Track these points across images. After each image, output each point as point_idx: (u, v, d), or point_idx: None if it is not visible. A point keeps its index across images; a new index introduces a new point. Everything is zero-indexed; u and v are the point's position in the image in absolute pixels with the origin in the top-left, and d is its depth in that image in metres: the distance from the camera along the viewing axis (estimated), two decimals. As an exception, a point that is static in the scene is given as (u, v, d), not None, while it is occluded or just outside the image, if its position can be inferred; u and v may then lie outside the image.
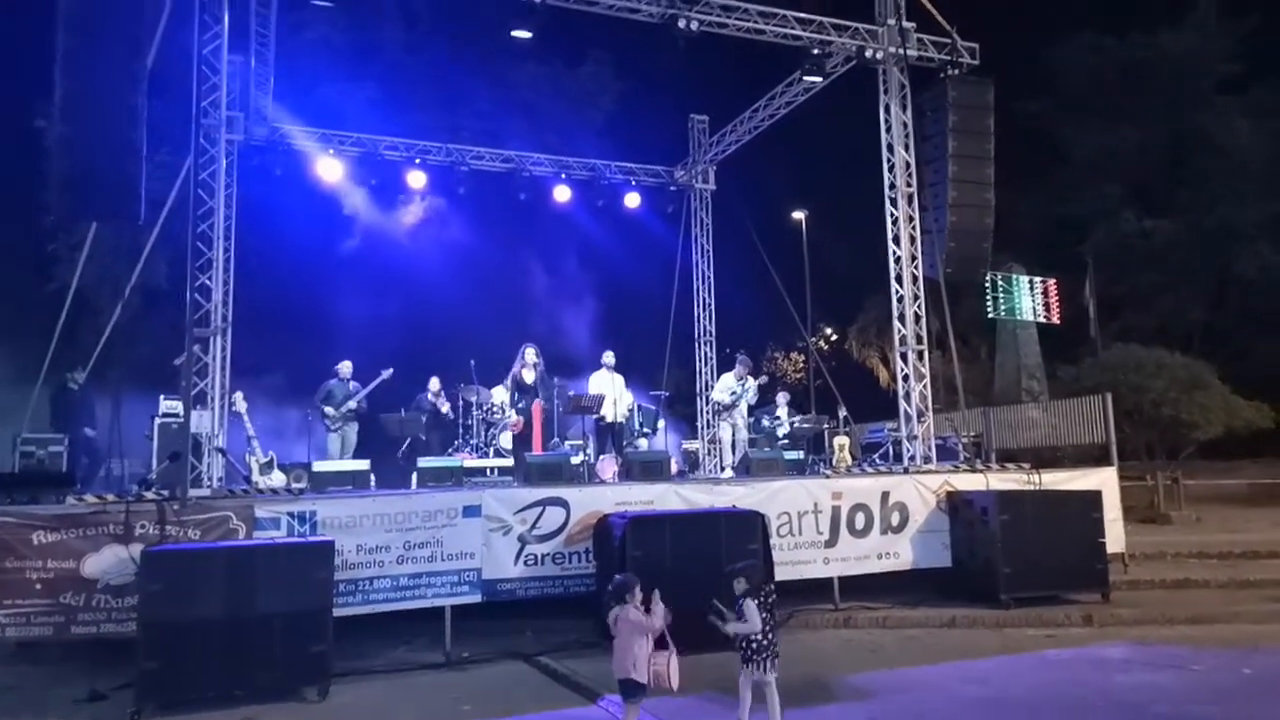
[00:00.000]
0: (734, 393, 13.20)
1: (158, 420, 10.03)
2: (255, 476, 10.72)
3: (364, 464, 10.56)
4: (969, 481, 10.23)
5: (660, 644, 5.29)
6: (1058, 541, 9.43)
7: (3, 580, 7.15)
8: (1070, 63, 28.66)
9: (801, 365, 32.52)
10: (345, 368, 12.81)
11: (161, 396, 10.40)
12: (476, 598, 8.28)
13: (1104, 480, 10.57)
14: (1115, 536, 10.22)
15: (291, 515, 7.88)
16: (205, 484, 9.44)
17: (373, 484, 10.35)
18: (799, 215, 24.68)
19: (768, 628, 5.42)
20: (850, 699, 6.53)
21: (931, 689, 6.81)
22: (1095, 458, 13.04)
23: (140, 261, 11.57)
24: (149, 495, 8.10)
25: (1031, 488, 10.15)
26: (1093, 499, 9.80)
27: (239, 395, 11.43)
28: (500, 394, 13.28)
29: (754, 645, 5.40)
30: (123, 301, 11.78)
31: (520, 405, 12.19)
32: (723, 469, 13.25)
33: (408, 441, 12.82)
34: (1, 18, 14.62)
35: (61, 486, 8.84)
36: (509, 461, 12.52)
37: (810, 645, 8.26)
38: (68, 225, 10.58)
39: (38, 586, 7.23)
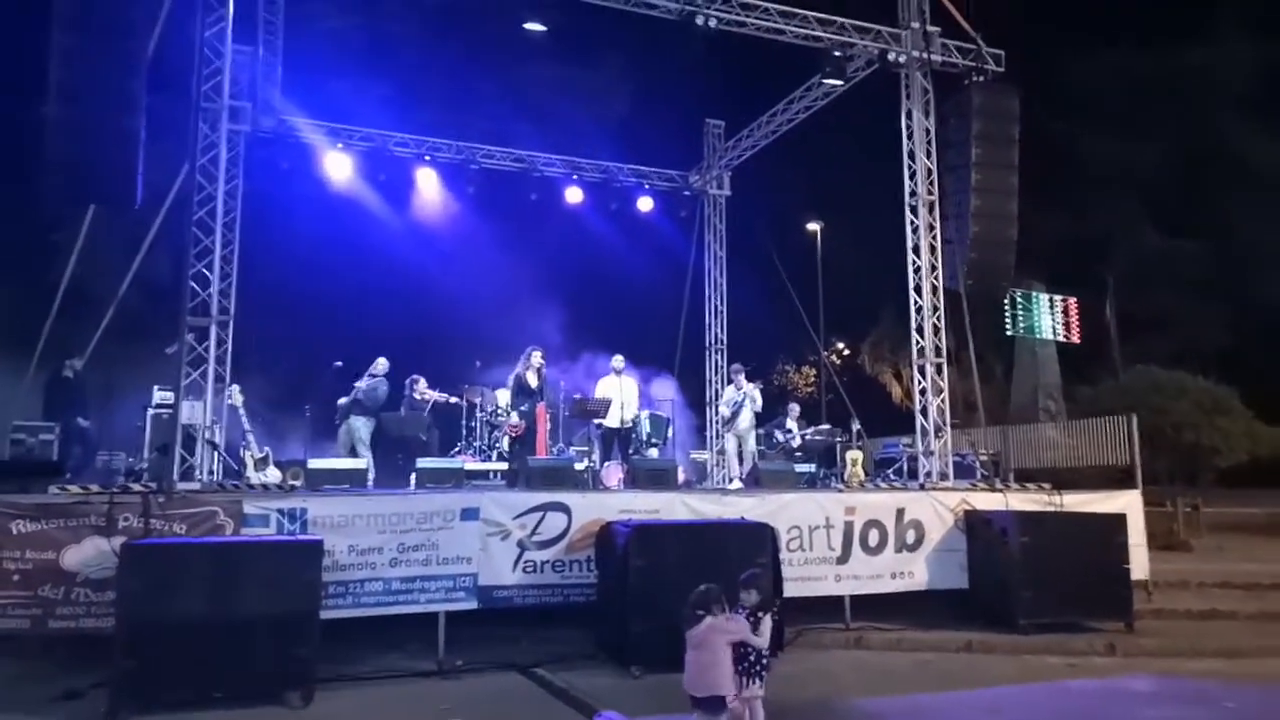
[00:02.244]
0: (735, 403, 12.91)
1: (150, 411, 9.76)
2: (249, 472, 10.40)
3: (361, 462, 10.26)
4: (988, 500, 9.87)
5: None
6: (1080, 566, 9.02)
7: (-22, 570, 6.89)
8: (1088, 77, 28.40)
9: (812, 379, 32.05)
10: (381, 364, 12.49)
11: (155, 387, 10.12)
12: (472, 604, 7.94)
13: (1128, 504, 10.17)
14: (1139, 563, 9.82)
15: (281, 512, 7.58)
16: (197, 478, 9.14)
17: (370, 483, 10.03)
18: (814, 226, 24.35)
19: (772, 644, 5.24)
20: (862, 725, 6.16)
21: (947, 717, 6.43)
22: (1114, 480, 12.66)
23: (141, 251, 11.33)
24: (135, 487, 7.81)
25: (1053, 509, 9.79)
26: (1117, 522, 9.40)
27: (235, 388, 11.12)
28: (504, 396, 12.97)
29: (761, 660, 5.12)
30: (122, 291, 11.53)
31: (524, 408, 11.87)
32: (730, 480, 12.90)
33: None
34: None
35: (50, 475, 8.59)
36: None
37: (820, 666, 7.88)
38: (65, 211, 10.37)
39: (15, 577, 6.98)
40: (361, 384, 12.14)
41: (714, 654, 4.86)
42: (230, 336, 11.54)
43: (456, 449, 13.10)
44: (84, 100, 7.92)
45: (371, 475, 10.88)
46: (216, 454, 9.96)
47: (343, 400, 12.11)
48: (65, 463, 10.31)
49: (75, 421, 11.30)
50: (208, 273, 9.79)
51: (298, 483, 9.58)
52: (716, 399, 16.47)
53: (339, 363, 12.41)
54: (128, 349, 13.29)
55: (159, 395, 10.01)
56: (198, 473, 9.22)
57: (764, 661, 5.16)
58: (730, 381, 13.46)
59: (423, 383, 13.06)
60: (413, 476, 10.35)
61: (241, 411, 11.01)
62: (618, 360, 12.62)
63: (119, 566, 6.49)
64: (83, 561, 7.06)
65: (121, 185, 8.16)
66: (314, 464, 9.96)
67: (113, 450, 11.49)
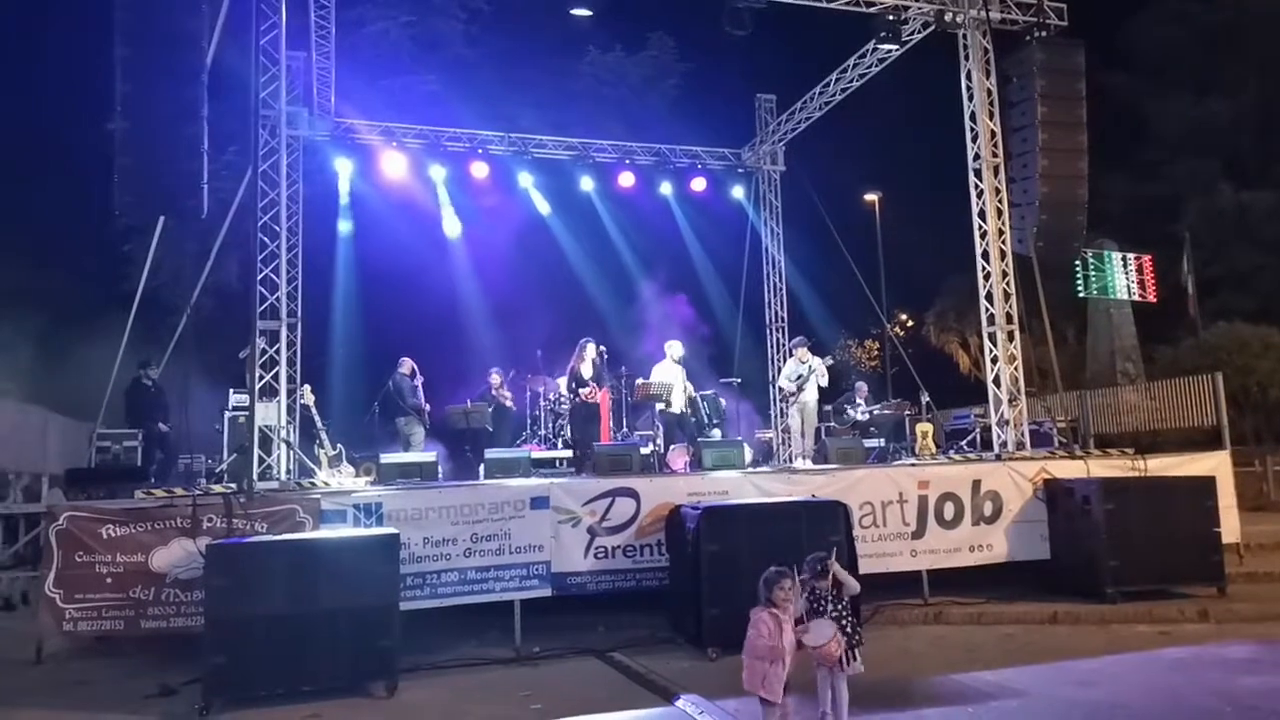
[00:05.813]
0: (799, 376, 12.66)
1: (227, 413, 10.02)
2: (323, 469, 10.61)
3: (431, 456, 10.35)
4: (1068, 469, 9.57)
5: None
6: (1168, 531, 8.71)
7: (74, 574, 7.20)
8: (1152, 32, 27.24)
9: (876, 353, 31.47)
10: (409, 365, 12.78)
11: (231, 390, 10.38)
12: (546, 591, 8.02)
13: (1216, 465, 9.78)
14: (1230, 526, 9.45)
15: (357, 507, 7.74)
16: (274, 477, 9.35)
17: (440, 476, 10.16)
18: (872, 197, 23.83)
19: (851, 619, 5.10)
20: (947, 703, 6.02)
21: (1035, 692, 6.24)
22: (1199, 442, 12.19)
23: (210, 259, 11.63)
24: (217, 488, 8.02)
25: (1137, 474, 9.45)
26: (1206, 485, 9.05)
27: (307, 388, 11.35)
28: (564, 386, 13.01)
29: (858, 632, 5.10)
30: (193, 299, 11.86)
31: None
32: (796, 458, 12.73)
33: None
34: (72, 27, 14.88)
35: (135, 481, 8.89)
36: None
37: (899, 643, 7.75)
38: (134, 222, 10.67)
39: (108, 580, 7.25)
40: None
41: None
42: (299, 338, 11.78)
43: (522, 438, 13.20)
44: (147, 111, 8.08)
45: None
46: (292, 453, 10.18)
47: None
48: (149, 468, 10.66)
49: (156, 427, 11.66)
50: (275, 277, 9.99)
51: (370, 477, 9.77)
52: (779, 376, 16.27)
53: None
54: (203, 354, 13.70)
55: (235, 398, 10.27)
56: (275, 472, 9.44)
57: (860, 633, 5.08)
58: (791, 355, 13.20)
59: (496, 377, 13.22)
60: (481, 467, 10.49)
61: (313, 410, 11.24)
62: (676, 348, 12.47)
63: (205, 566, 6.66)
64: (171, 563, 7.29)
65: (188, 196, 8.32)
66: (386, 459, 10.10)
67: (193, 453, 11.85)
